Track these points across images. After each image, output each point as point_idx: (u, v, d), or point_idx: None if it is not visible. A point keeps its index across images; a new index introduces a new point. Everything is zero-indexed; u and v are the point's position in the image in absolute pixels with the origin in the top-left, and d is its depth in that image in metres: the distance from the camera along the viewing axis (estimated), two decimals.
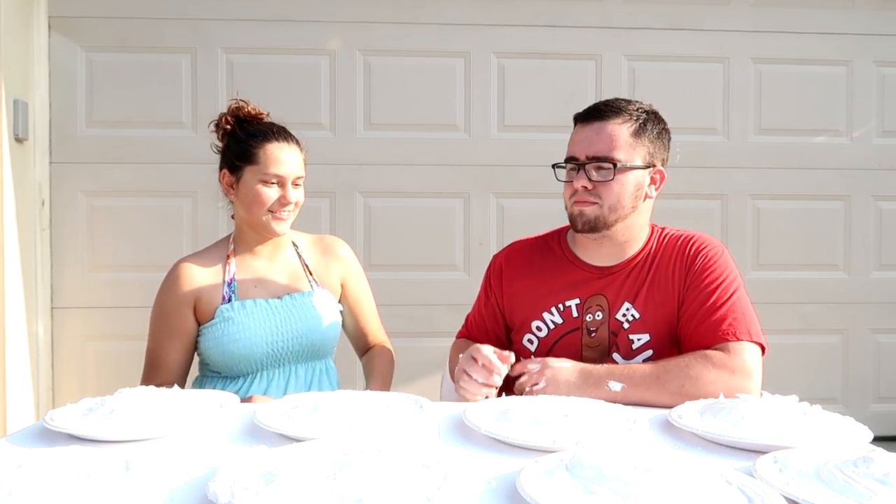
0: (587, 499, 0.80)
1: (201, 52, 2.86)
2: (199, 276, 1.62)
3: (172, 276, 1.63)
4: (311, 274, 1.72)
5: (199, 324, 1.63)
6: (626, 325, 1.48)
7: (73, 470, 0.86)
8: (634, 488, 0.80)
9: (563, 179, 1.52)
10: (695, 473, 0.86)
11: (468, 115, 2.96)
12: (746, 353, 1.36)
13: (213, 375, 1.66)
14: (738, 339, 1.37)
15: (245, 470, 0.87)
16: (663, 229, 1.57)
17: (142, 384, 1.55)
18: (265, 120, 1.67)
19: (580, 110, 1.53)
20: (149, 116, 2.84)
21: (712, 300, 1.42)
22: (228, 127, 1.64)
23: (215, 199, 2.77)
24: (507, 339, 1.64)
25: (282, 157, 1.59)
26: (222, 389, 1.56)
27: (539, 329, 1.54)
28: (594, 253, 1.54)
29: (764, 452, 0.98)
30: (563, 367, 1.37)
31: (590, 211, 1.46)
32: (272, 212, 1.59)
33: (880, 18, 3.05)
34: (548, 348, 1.53)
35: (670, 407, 1.24)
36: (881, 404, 3.14)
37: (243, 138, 1.61)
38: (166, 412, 1.13)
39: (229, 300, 1.61)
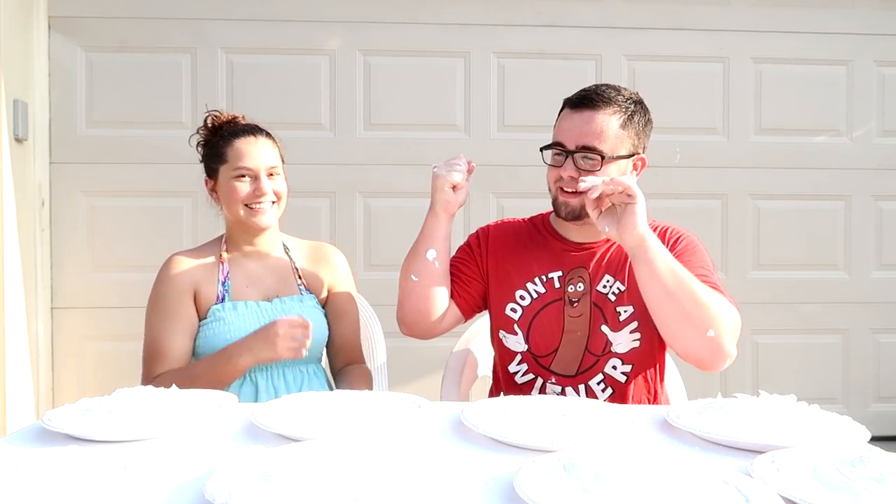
0: (585, 499, 0.80)
1: (201, 52, 2.86)
2: (196, 269, 1.63)
3: (169, 267, 1.62)
4: (300, 277, 1.71)
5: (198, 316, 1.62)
6: (612, 298, 1.54)
7: (71, 470, 0.86)
8: (632, 488, 0.80)
9: (549, 163, 1.55)
10: (692, 473, 0.86)
11: (468, 115, 2.96)
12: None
13: None
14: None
15: (242, 470, 0.87)
16: None
17: (144, 378, 1.55)
18: (241, 122, 1.69)
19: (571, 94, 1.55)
20: (149, 116, 2.84)
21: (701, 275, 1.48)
22: (201, 139, 1.68)
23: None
24: (481, 303, 1.65)
25: (249, 151, 1.61)
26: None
27: (522, 298, 1.58)
28: (575, 232, 1.60)
29: (761, 452, 0.98)
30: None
31: (574, 202, 1.50)
32: (247, 205, 1.60)
33: (880, 18, 3.05)
34: (531, 317, 1.57)
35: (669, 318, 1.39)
36: (881, 404, 3.14)
37: (215, 142, 1.65)
38: (164, 412, 1.13)
39: (222, 299, 1.62)
